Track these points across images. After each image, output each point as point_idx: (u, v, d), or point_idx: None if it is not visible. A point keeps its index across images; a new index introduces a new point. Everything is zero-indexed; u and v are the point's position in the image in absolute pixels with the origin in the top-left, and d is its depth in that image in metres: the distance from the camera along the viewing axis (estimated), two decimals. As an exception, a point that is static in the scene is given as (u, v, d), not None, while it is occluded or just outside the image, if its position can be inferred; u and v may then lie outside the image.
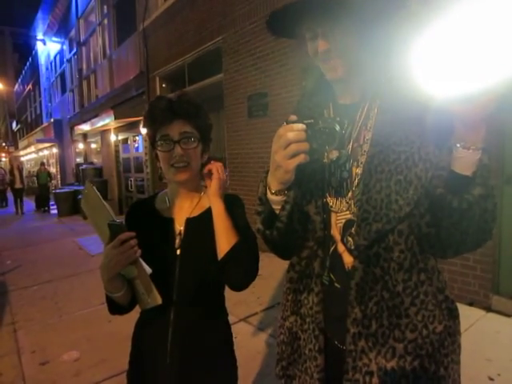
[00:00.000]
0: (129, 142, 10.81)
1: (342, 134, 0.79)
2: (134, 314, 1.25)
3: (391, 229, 0.86)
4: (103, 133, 12.08)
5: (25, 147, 27.08)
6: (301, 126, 0.79)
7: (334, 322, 0.95)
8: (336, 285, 0.95)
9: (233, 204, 1.16)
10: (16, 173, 13.06)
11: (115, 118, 9.32)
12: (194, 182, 1.16)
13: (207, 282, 1.15)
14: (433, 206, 0.80)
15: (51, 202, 13.29)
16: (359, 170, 0.90)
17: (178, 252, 1.15)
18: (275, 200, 0.91)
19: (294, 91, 4.72)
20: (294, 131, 0.79)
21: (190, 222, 1.18)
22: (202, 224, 1.15)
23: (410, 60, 0.64)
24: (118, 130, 10.94)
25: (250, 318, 3.46)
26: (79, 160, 16.17)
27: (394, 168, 0.84)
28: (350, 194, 0.92)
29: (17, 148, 32.52)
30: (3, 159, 40.47)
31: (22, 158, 29.11)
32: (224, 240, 1.08)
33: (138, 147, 10.46)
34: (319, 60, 0.91)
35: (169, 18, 7.69)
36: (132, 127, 9.94)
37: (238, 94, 5.84)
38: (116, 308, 1.14)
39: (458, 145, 0.71)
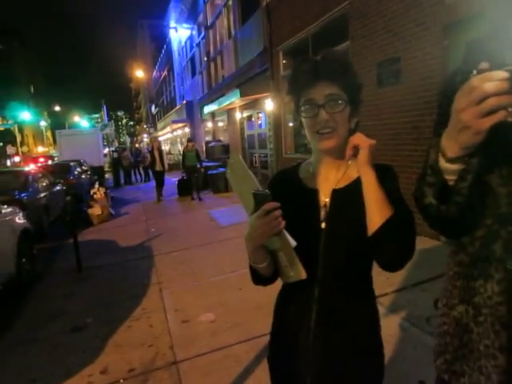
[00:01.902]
0: (253, 119, 11.17)
1: None
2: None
3: None
4: (229, 111, 12.69)
5: (162, 128, 30.19)
6: (502, 73, 0.62)
7: None
8: None
9: (385, 175, 1.03)
10: (156, 154, 11.11)
11: (241, 96, 9.66)
12: (341, 149, 1.05)
13: (355, 259, 1.06)
14: None
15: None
16: None
17: (323, 225, 1.07)
18: (450, 169, 0.76)
19: (434, 53, 4.20)
20: (493, 81, 0.62)
21: (336, 193, 1.09)
22: (349, 196, 1.05)
23: None
24: (243, 107, 11.36)
25: (380, 299, 3.28)
26: (208, 138, 17.35)
27: None
28: None
29: (156, 129, 36.48)
30: (145, 139, 45.88)
31: (160, 138, 32.53)
32: (376, 212, 0.96)
33: (261, 124, 10.73)
34: None
35: (292, -11, 7.54)
36: (256, 104, 10.21)
37: (365, 62, 5.46)
38: (259, 278, 1.12)
39: None
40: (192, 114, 19.42)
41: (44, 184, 8.03)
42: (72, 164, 12.50)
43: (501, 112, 0.63)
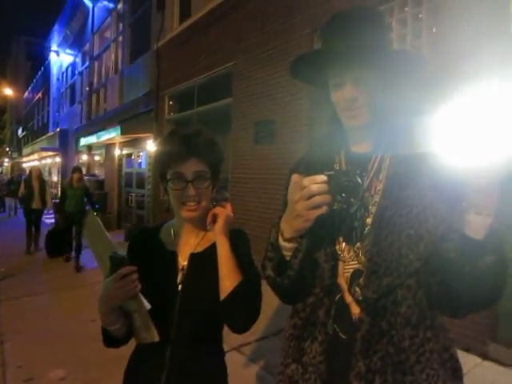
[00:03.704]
0: (133, 157, 10.86)
1: (363, 186, 0.81)
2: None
3: (400, 283, 0.86)
4: (108, 146, 12.15)
5: (28, 154, 27.20)
6: (323, 177, 0.80)
7: (337, 374, 0.92)
8: (341, 335, 0.93)
9: (238, 240, 1.15)
10: (35, 184, 7.89)
11: (122, 133, 9.38)
12: (202, 217, 1.15)
13: (207, 321, 1.12)
14: (444, 267, 0.80)
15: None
16: (370, 221, 0.91)
17: (180, 288, 1.13)
18: (287, 247, 0.91)
19: (303, 121, 4.76)
20: (317, 183, 0.80)
21: (194, 257, 1.16)
22: (206, 260, 1.13)
23: (429, 124, 0.68)
24: (123, 144, 11.01)
25: (242, 348, 3.38)
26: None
27: (405, 221, 0.86)
28: (358, 244, 0.92)
29: (20, 154, 32.66)
30: (5, 164, 40.67)
31: (25, 165, 29.15)
32: (227, 280, 1.06)
33: (141, 163, 10.50)
34: (342, 107, 0.93)
35: (183, 40, 7.85)
36: (137, 143, 10.01)
37: (245, 119, 5.90)
38: (111, 340, 1.11)
39: (471, 210, 0.72)
40: (66, 144, 18.00)
41: None
42: None
43: (324, 207, 0.81)
